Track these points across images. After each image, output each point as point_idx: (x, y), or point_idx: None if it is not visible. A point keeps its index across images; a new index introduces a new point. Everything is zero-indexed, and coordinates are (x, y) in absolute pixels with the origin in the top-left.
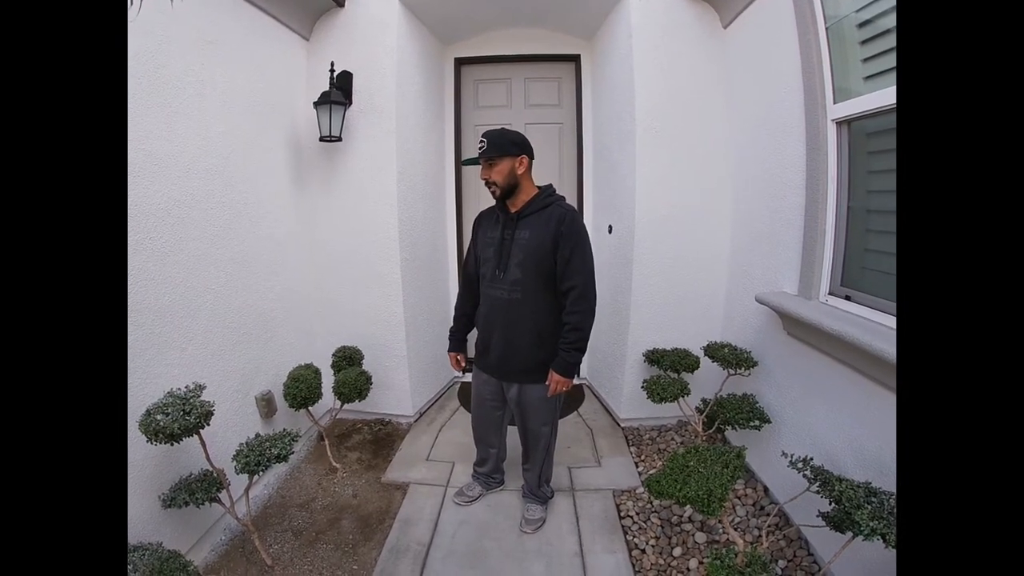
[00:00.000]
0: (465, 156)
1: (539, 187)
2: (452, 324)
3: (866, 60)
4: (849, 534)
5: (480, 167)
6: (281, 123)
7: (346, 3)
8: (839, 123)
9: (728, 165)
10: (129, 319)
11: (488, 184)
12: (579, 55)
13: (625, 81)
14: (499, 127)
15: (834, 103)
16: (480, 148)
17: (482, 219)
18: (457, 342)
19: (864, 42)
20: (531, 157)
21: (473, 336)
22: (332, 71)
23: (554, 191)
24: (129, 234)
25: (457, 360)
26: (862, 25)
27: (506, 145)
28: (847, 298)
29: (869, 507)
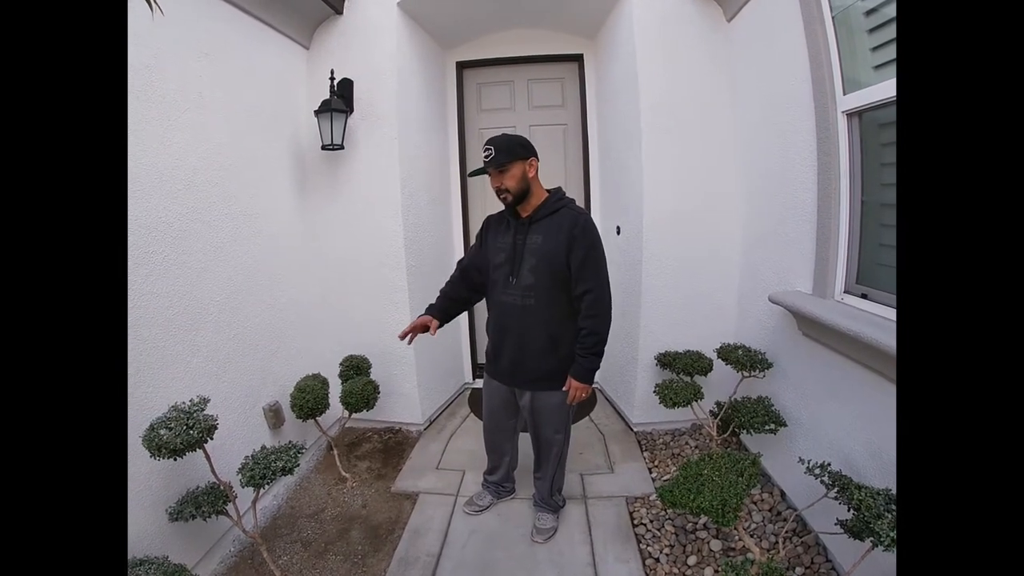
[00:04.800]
0: (470, 161)
1: (548, 190)
2: (434, 301)
3: (875, 49)
4: (868, 542)
5: (489, 176)
6: (283, 132)
7: (345, 10)
8: (849, 115)
9: (737, 161)
10: (133, 333)
11: (500, 192)
12: (582, 54)
13: (629, 79)
14: (502, 133)
15: (844, 94)
16: (487, 156)
17: (491, 223)
18: (431, 307)
19: (872, 30)
20: (538, 159)
21: (483, 343)
22: (332, 79)
23: (564, 194)
24: (131, 248)
25: (425, 325)
26: (869, 13)
27: (515, 149)
28: (863, 296)
29: (889, 516)
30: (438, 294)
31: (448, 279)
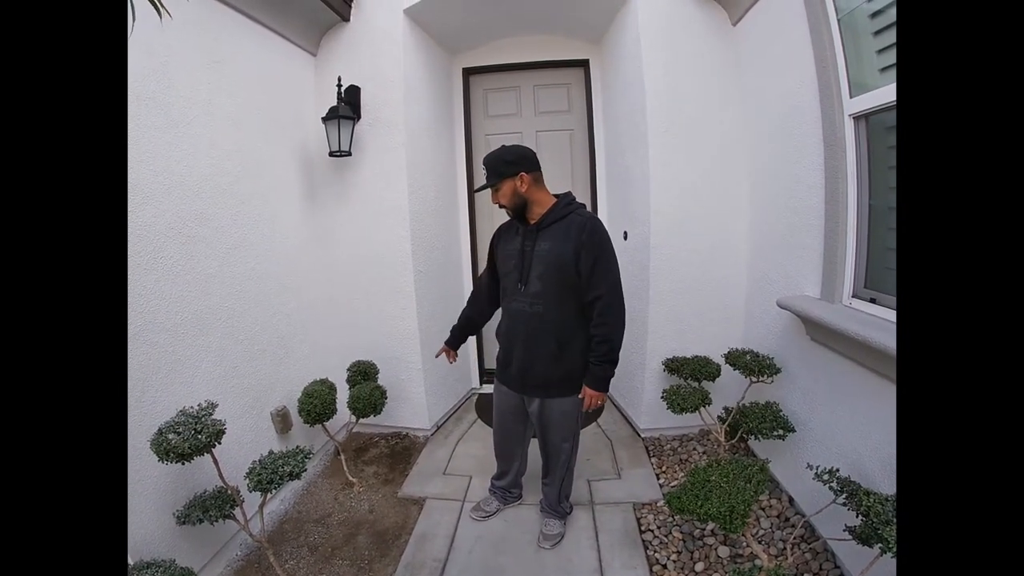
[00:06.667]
0: (477, 167)
1: (557, 195)
2: (456, 322)
3: (881, 51)
4: (877, 549)
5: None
6: (291, 139)
7: (352, 18)
8: (856, 118)
9: (743, 165)
10: (142, 338)
11: (501, 207)
12: (587, 60)
13: (635, 83)
14: (499, 147)
15: (850, 97)
16: (485, 176)
17: (502, 232)
18: (454, 339)
19: (877, 33)
20: (531, 170)
21: (493, 349)
22: (340, 86)
23: (573, 199)
24: (140, 253)
25: (447, 353)
26: (874, 15)
27: (500, 168)
28: (872, 300)
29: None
30: (460, 314)
31: (468, 298)
